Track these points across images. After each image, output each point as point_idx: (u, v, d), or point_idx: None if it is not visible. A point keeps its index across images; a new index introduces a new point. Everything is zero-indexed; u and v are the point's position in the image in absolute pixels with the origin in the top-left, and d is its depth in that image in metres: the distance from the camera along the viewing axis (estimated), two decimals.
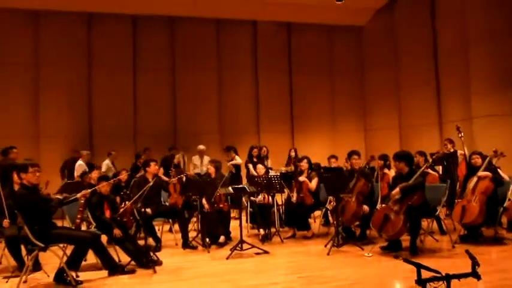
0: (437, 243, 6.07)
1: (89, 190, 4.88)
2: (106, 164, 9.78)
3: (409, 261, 2.56)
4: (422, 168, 5.62)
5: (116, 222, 5.40)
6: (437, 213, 5.79)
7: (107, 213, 5.49)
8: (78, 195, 4.72)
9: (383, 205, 5.65)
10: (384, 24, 12.48)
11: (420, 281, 2.45)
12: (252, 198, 7.19)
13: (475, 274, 2.56)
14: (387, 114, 12.55)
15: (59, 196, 4.73)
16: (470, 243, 5.86)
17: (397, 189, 5.46)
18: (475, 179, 6.06)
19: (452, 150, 8.73)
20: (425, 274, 2.52)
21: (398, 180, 5.68)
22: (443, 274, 2.51)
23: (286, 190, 7.04)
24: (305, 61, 12.80)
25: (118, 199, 5.92)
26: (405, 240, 5.59)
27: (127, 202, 5.61)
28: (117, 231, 5.19)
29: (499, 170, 7.04)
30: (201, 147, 10.17)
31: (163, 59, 11.95)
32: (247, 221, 7.65)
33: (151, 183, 5.84)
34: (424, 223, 6.87)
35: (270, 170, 8.37)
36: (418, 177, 5.47)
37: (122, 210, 5.54)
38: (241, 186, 6.36)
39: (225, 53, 12.37)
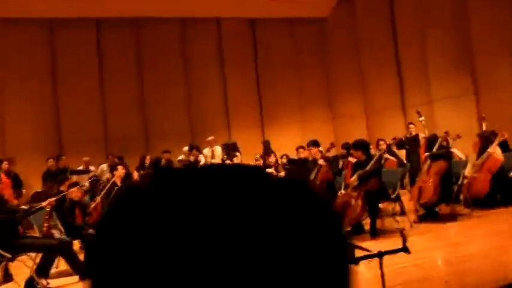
0: (397, 224, 6.38)
1: (54, 198, 4.97)
2: (101, 167, 9.89)
3: None
4: (377, 155, 5.91)
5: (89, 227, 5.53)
6: (393, 196, 6.08)
7: (78, 219, 5.60)
8: (44, 203, 4.81)
9: (343, 191, 5.93)
10: (346, 15, 12.77)
11: (353, 259, 2.68)
12: None
13: (405, 249, 2.82)
14: (353, 101, 12.88)
15: (24, 207, 4.79)
16: (428, 222, 6.23)
17: (354, 176, 5.75)
18: (428, 161, 6.42)
19: (414, 133, 9.12)
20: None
21: (357, 167, 5.98)
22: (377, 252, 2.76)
23: None
24: (271, 55, 13.01)
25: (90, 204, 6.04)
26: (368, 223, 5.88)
27: (97, 197, 5.76)
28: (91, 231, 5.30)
29: (455, 150, 7.47)
30: (211, 138, 9.98)
31: (130, 61, 11.95)
32: None
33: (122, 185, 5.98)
34: (390, 205, 7.24)
35: None
36: (374, 164, 5.77)
37: (92, 206, 5.70)
38: None
39: (191, 52, 12.45)
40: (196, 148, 9.51)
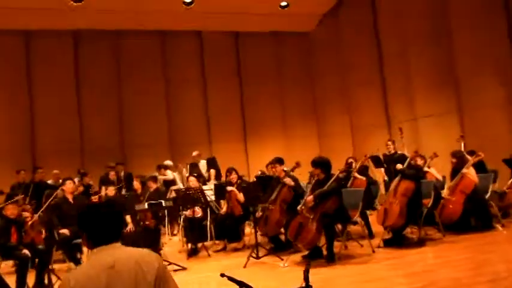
0: (361, 248, 5.95)
1: None
2: None
3: (231, 279, 2.40)
4: (336, 174, 5.51)
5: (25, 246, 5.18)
6: (355, 218, 5.66)
7: (14, 238, 5.26)
8: None
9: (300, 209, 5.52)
10: (330, 29, 12.50)
11: None
12: (184, 212, 7.03)
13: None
14: (339, 117, 12.53)
15: None
16: (394, 247, 5.79)
17: (310, 197, 5.36)
18: (395, 181, 6.02)
19: (393, 151, 8.71)
20: None
21: (316, 186, 5.58)
22: None
23: (214, 203, 6.89)
24: (254, 69, 12.73)
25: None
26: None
27: (34, 215, 5.48)
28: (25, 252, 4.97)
29: (432, 169, 7.04)
30: (196, 153, 9.83)
31: (108, 73, 11.70)
32: (184, 236, 7.45)
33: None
34: (358, 228, 6.80)
35: (207, 183, 8.22)
36: (332, 183, 5.37)
37: (30, 222, 5.41)
38: (158, 201, 6.18)
39: (171, 64, 12.21)
40: (164, 168, 9.50)
